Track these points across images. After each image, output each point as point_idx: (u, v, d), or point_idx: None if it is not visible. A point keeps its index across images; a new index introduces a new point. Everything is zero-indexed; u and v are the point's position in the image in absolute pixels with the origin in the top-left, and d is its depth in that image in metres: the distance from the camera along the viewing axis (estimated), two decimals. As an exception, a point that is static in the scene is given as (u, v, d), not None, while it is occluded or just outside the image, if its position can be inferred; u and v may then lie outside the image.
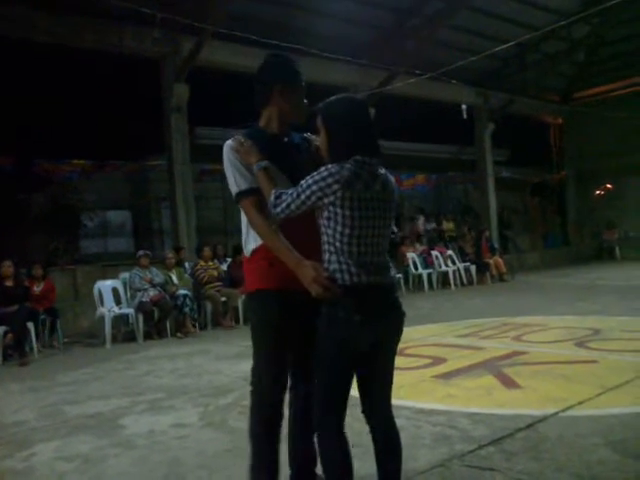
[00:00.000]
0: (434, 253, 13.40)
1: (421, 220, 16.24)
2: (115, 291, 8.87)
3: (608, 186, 20.02)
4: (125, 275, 9.07)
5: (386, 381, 2.38)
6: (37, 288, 8.37)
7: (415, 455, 3.19)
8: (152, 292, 8.67)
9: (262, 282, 2.47)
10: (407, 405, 4.14)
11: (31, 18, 9.34)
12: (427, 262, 13.31)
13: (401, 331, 2.33)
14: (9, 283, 7.88)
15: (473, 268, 13.71)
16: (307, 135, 2.67)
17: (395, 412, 3.93)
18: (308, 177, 2.20)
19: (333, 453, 2.24)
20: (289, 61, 2.53)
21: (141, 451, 3.69)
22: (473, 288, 13.07)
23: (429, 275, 13.01)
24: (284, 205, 2.22)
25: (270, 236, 2.32)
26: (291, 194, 2.22)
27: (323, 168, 2.19)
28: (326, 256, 2.23)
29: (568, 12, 13.43)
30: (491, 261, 13.90)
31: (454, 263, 13.54)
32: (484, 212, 17.09)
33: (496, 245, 15.38)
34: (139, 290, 8.66)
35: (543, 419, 3.67)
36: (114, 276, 9.35)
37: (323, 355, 2.23)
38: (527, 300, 10.14)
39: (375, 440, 2.35)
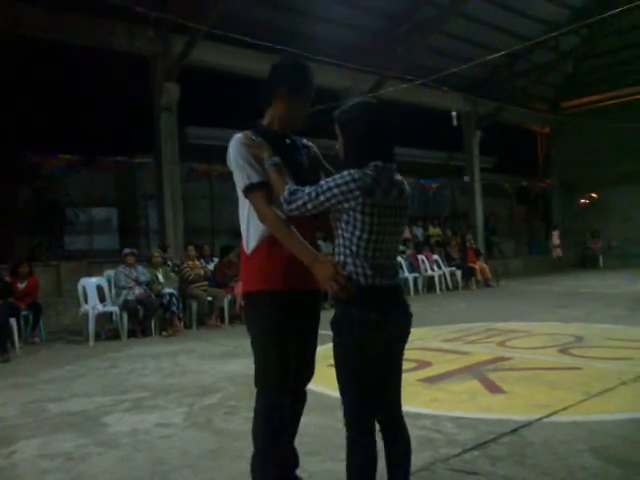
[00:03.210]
0: (420, 257, 13.46)
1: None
2: (99, 289, 8.80)
3: (593, 195, 20.26)
4: (110, 273, 9.01)
5: (398, 381, 2.39)
6: (21, 285, 8.28)
7: (400, 458, 3.20)
8: (137, 290, 8.63)
9: (264, 282, 2.43)
10: (392, 408, 4.15)
11: (23, 13, 9.25)
12: (413, 266, 13.36)
13: (409, 331, 2.38)
14: (-9, 279, 7.79)
15: (459, 273, 13.81)
16: (305, 141, 2.66)
17: (380, 415, 4.00)
18: (329, 179, 2.20)
19: (363, 458, 2.22)
20: (299, 67, 2.48)
21: (124, 450, 3.66)
22: (458, 293, 13.15)
23: (415, 279, 13.07)
24: (300, 202, 2.21)
25: (284, 230, 2.29)
26: (309, 193, 2.20)
27: (346, 172, 2.17)
28: (341, 258, 2.23)
29: (557, 23, 13.64)
30: (476, 266, 14.00)
31: (440, 268, 13.61)
32: (471, 217, 17.24)
33: (482, 250, 15.50)
34: (124, 288, 8.60)
35: (527, 424, 3.70)
36: (99, 273, 9.28)
37: (342, 360, 2.23)
38: (511, 306, 10.22)
39: (385, 440, 2.34)
